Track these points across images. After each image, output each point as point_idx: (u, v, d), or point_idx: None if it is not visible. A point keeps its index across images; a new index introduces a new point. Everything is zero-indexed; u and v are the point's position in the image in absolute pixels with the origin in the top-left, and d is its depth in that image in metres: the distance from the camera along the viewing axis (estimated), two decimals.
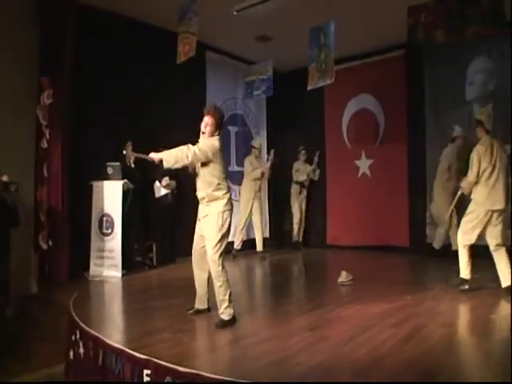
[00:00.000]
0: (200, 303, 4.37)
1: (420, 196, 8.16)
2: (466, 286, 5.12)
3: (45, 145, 6.18)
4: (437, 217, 7.47)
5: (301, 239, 9.30)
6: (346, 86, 8.94)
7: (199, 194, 4.19)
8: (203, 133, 4.18)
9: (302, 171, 9.26)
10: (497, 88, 7.58)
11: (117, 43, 6.89)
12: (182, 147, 3.98)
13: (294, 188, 9.29)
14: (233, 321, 4.03)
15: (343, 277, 5.71)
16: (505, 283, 4.95)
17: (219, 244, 4.01)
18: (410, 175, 8.42)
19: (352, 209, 9.13)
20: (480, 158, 5.04)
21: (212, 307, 4.34)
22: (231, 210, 4.17)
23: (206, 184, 4.10)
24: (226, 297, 4.01)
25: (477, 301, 4.73)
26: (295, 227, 9.25)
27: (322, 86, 6.81)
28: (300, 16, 6.88)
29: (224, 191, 4.13)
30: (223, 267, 4.03)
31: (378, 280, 6.02)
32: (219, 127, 4.25)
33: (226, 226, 4.09)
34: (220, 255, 4.01)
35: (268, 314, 4.43)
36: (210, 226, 4.07)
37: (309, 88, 6.62)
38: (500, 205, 5.00)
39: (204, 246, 4.13)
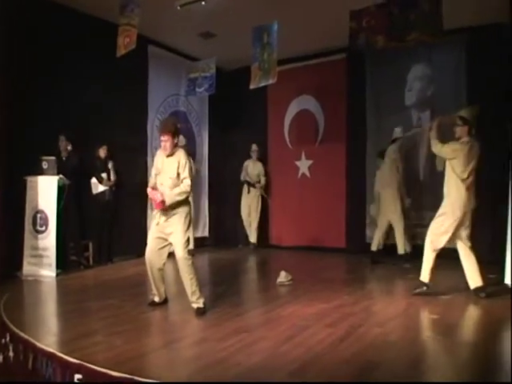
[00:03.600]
0: (161, 297, 4.63)
1: (358, 197, 8.29)
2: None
3: None
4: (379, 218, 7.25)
5: (254, 240, 9.10)
6: (289, 87, 9.03)
7: None
8: (165, 149, 4.37)
9: (251, 170, 9.15)
10: (435, 95, 7.84)
11: (55, 35, 6.60)
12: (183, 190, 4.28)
13: (244, 187, 9.16)
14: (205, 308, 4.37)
15: (282, 277, 5.74)
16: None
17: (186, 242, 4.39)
18: (348, 177, 8.58)
19: (292, 209, 9.23)
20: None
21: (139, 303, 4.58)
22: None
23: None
24: (197, 287, 4.33)
25: (410, 300, 4.88)
26: (246, 229, 9.20)
27: (265, 86, 6.86)
28: (244, 14, 6.89)
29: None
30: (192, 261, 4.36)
31: (316, 280, 6.10)
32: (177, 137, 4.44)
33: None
34: (188, 251, 4.39)
35: (203, 315, 4.32)
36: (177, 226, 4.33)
37: (251, 87, 6.64)
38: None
39: (162, 247, 4.41)
